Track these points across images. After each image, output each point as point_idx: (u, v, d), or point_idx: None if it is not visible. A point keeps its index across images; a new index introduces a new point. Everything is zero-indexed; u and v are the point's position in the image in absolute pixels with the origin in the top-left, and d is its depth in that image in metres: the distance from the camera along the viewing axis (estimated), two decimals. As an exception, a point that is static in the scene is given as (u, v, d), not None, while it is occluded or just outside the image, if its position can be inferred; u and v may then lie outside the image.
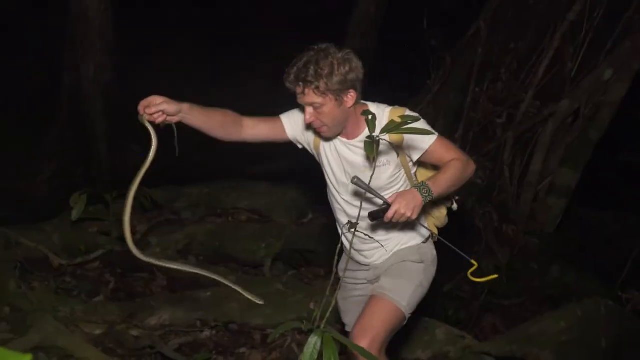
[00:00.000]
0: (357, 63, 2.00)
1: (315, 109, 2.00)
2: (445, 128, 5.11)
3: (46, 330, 2.55)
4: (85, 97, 6.16)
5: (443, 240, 2.22)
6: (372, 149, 1.85)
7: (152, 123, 1.98)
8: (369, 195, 2.08)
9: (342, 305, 2.46)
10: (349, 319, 2.43)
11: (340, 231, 2.34)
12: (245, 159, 4.62)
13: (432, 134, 2.02)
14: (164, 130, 2.02)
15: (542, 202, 5.04)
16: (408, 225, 2.25)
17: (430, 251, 2.31)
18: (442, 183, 2.03)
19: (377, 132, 1.87)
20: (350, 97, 2.01)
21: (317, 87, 1.95)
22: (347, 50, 2.01)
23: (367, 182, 2.06)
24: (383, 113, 2.07)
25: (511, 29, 5.05)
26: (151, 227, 3.87)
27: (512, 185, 5.09)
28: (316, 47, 2.00)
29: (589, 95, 4.80)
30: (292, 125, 2.20)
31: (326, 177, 2.26)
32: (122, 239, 3.70)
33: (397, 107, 2.12)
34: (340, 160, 2.16)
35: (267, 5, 7.30)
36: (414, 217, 1.95)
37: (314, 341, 1.57)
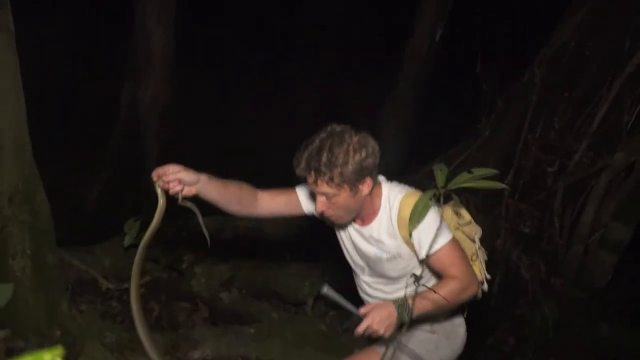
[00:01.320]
0: (373, 145, 1.87)
1: (328, 198, 1.87)
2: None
3: (95, 356, 2.59)
4: (141, 120, 6.36)
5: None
6: (424, 205, 1.81)
7: (165, 191, 1.87)
8: (390, 274, 1.99)
9: None
10: None
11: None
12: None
13: (445, 236, 1.90)
14: (181, 208, 1.91)
15: (593, 256, 4.89)
16: None
17: (449, 325, 2.15)
18: (428, 304, 1.86)
19: (385, 226, 1.88)
20: (367, 185, 1.88)
21: (331, 179, 1.81)
22: (363, 134, 1.87)
23: (383, 272, 2.01)
24: (394, 201, 1.95)
25: (566, 78, 4.98)
26: (197, 257, 3.91)
27: (562, 237, 4.96)
28: (330, 129, 1.86)
29: (646, 148, 4.68)
30: (309, 199, 2.07)
31: (345, 255, 2.15)
32: (170, 267, 3.79)
33: (411, 193, 1.95)
34: (354, 246, 2.07)
35: (323, 32, 7.42)
36: (387, 335, 1.82)
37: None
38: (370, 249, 2.01)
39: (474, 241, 2.11)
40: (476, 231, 2.12)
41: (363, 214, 1.97)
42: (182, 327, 3.49)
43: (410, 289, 1.99)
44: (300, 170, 1.85)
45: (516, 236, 4.89)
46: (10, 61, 2.48)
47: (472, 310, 2.35)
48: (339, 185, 1.82)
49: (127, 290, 3.65)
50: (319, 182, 1.83)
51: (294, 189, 2.11)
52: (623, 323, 4.65)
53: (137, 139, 6.43)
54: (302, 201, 2.08)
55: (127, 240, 3.38)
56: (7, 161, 2.56)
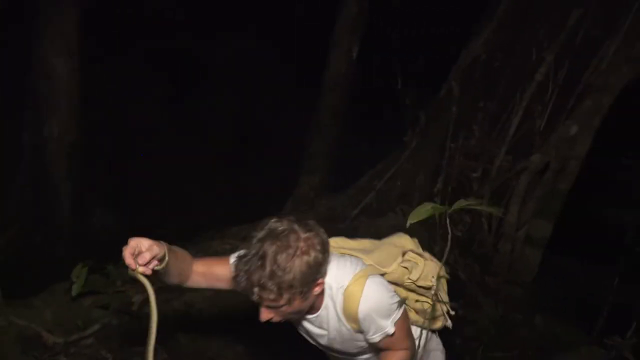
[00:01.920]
0: (322, 238, 1.66)
1: (276, 309, 1.66)
2: (425, 183, 5.28)
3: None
4: (49, 158, 5.92)
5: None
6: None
7: (145, 275, 1.58)
8: (350, 351, 1.96)
9: None
10: None
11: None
12: (244, 220, 4.53)
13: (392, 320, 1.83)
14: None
15: (520, 253, 5.23)
16: None
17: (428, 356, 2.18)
18: None
19: (336, 314, 1.80)
20: (319, 285, 1.70)
21: (280, 294, 1.59)
22: (308, 227, 1.64)
23: (342, 350, 1.96)
24: (337, 294, 1.79)
25: (481, 89, 5.34)
26: (147, 297, 3.67)
27: (491, 237, 5.26)
28: (269, 228, 1.61)
29: (557, 149, 5.10)
30: None
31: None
32: (121, 311, 3.52)
33: (354, 281, 1.77)
34: (306, 331, 1.97)
35: (240, 59, 7.35)
36: None
37: None
38: (323, 336, 1.91)
39: (429, 288, 2.06)
40: (433, 273, 2.07)
41: (312, 305, 1.82)
42: (140, 375, 3.26)
43: None
44: (241, 286, 1.59)
45: (451, 241, 5.11)
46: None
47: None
48: (290, 299, 1.61)
49: (74, 343, 3.37)
50: (265, 298, 1.59)
51: (228, 259, 1.83)
52: (553, 314, 5.01)
53: (45, 179, 5.97)
54: None
55: (75, 289, 3.15)
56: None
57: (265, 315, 1.66)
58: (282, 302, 1.60)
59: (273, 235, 1.58)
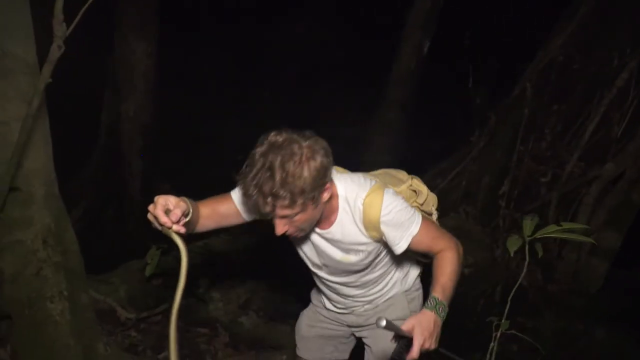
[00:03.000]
0: (322, 144, 1.67)
1: (289, 219, 1.67)
2: (490, 185, 5.19)
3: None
4: (124, 136, 6.20)
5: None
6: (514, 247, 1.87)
7: (179, 234, 1.57)
8: (354, 269, 1.97)
9: (304, 331, 2.39)
10: (303, 351, 2.41)
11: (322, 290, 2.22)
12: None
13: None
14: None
15: (586, 263, 5.08)
16: (392, 276, 2.12)
17: (419, 296, 2.20)
18: (450, 287, 1.77)
19: (357, 227, 1.81)
20: (327, 190, 1.71)
21: (294, 201, 1.60)
22: (306, 135, 1.66)
23: (347, 268, 1.96)
24: (356, 204, 1.81)
25: (556, 92, 5.16)
26: (213, 280, 3.84)
27: (556, 244, 5.13)
28: (269, 142, 1.62)
29: (634, 159, 4.89)
30: (248, 207, 1.83)
31: (299, 253, 2.06)
32: (188, 293, 3.69)
33: (372, 190, 1.80)
34: (314, 247, 1.96)
35: (307, 50, 7.40)
36: (435, 345, 1.69)
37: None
38: (335, 252, 1.92)
39: (431, 214, 2.17)
40: (433, 202, 2.18)
41: (321, 217, 1.81)
42: (204, 354, 3.41)
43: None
44: (251, 198, 1.60)
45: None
46: (42, 106, 2.40)
47: (475, 319, 2.34)
48: (303, 204, 1.62)
49: (144, 319, 3.56)
50: (278, 207, 1.61)
51: (230, 195, 1.91)
52: (617, 327, 4.85)
53: (120, 156, 6.26)
54: (240, 208, 1.89)
55: (149, 270, 3.32)
56: (38, 201, 2.46)
57: (280, 228, 1.67)
58: (296, 208, 1.62)
59: (275, 147, 1.60)
